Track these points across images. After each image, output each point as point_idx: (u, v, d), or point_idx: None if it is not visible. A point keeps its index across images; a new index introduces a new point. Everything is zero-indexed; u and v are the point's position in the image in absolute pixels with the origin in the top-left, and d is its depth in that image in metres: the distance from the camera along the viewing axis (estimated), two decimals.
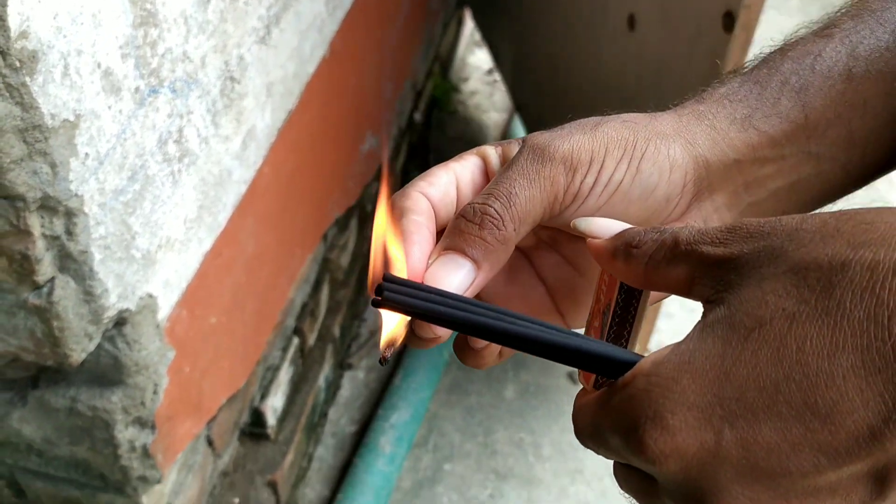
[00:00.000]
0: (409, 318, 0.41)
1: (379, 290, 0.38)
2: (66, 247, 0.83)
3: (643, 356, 0.34)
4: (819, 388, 0.28)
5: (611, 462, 0.36)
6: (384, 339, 0.41)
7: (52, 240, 0.82)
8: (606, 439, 0.34)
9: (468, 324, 0.37)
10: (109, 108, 0.83)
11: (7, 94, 0.70)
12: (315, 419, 1.73)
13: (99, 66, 0.80)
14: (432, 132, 2.45)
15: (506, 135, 2.45)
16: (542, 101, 2.06)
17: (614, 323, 0.42)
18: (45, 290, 0.85)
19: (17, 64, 0.69)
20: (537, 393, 1.87)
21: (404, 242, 0.41)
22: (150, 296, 0.99)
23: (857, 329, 0.27)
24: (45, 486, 1.14)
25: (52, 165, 0.77)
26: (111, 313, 0.92)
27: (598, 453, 0.36)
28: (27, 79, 0.70)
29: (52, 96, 0.74)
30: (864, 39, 0.46)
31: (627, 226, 0.39)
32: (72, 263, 0.84)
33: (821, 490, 0.29)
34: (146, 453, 1.07)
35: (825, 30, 0.47)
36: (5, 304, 0.86)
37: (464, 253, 0.40)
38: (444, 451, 1.77)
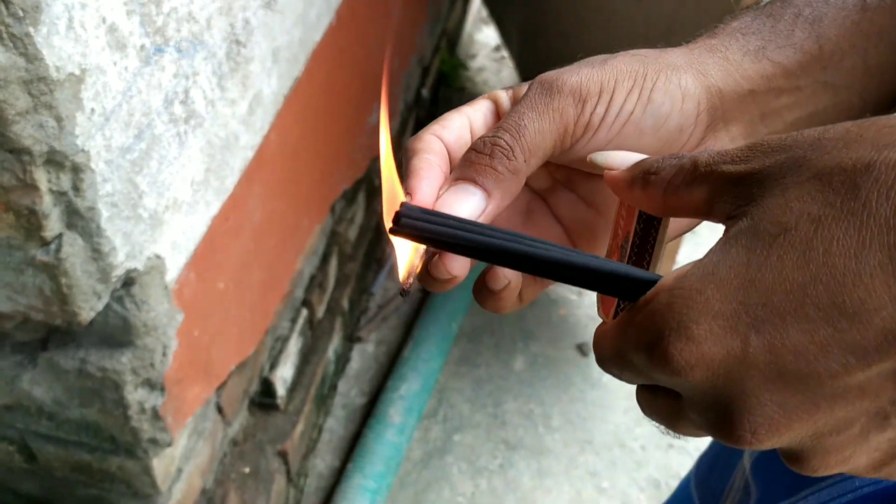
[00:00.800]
0: (423, 246, 0.40)
1: (396, 219, 0.37)
2: (73, 203, 0.83)
3: (663, 276, 0.34)
4: (846, 288, 0.27)
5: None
6: (403, 269, 0.40)
7: (59, 195, 0.82)
8: (630, 359, 0.33)
9: (484, 247, 0.37)
10: (115, 64, 0.83)
11: (11, 45, 0.70)
12: (325, 391, 1.73)
13: (104, 20, 0.80)
14: (440, 108, 2.44)
15: None
16: None
17: (633, 254, 0.41)
18: (52, 246, 0.85)
19: (21, 13, 0.69)
20: (546, 364, 1.87)
21: (414, 178, 0.41)
22: (158, 256, 0.99)
23: (883, 227, 0.27)
24: (56, 450, 1.15)
25: (58, 119, 0.77)
26: (119, 272, 0.92)
27: (620, 377, 0.36)
28: (31, 29, 0.70)
29: (57, 48, 0.74)
30: None
31: (645, 156, 0.39)
32: (79, 220, 0.85)
33: (850, 391, 0.29)
34: (156, 415, 1.08)
35: None
36: (14, 261, 0.86)
37: (474, 182, 0.40)
38: (454, 421, 1.78)
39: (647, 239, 0.41)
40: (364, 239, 1.92)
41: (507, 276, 0.42)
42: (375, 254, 2.02)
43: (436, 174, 0.41)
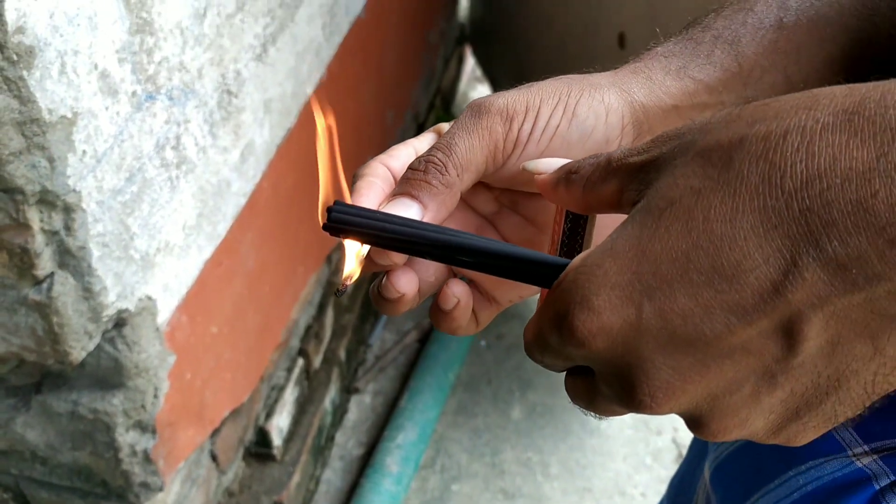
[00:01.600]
0: (363, 247, 0.43)
1: (328, 213, 0.40)
2: (64, 242, 0.86)
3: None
4: (724, 252, 0.29)
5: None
6: (344, 273, 0.43)
7: (51, 234, 0.85)
8: (547, 339, 0.35)
9: (408, 237, 0.39)
10: (107, 108, 0.86)
11: (5, 87, 0.74)
12: (321, 442, 1.73)
13: (96, 67, 0.84)
14: None
15: None
16: None
17: (563, 252, 0.44)
18: (44, 285, 0.87)
19: (15, 57, 0.72)
20: (544, 413, 1.87)
21: (355, 196, 0.43)
22: (150, 298, 1.01)
23: (754, 193, 0.29)
24: (49, 497, 1.15)
25: (50, 160, 0.80)
26: (110, 312, 0.94)
27: (543, 363, 0.37)
28: (24, 73, 0.74)
29: (50, 92, 0.77)
30: None
31: (568, 160, 0.41)
32: (70, 259, 0.87)
33: (736, 350, 0.30)
34: (147, 458, 1.09)
35: None
36: (7, 300, 0.89)
37: (410, 195, 0.43)
38: (452, 471, 1.77)
39: (574, 237, 0.43)
40: (361, 291, 1.94)
41: (457, 295, 0.44)
42: (373, 306, 2.04)
43: (377, 192, 0.44)
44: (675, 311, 0.30)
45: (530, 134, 0.44)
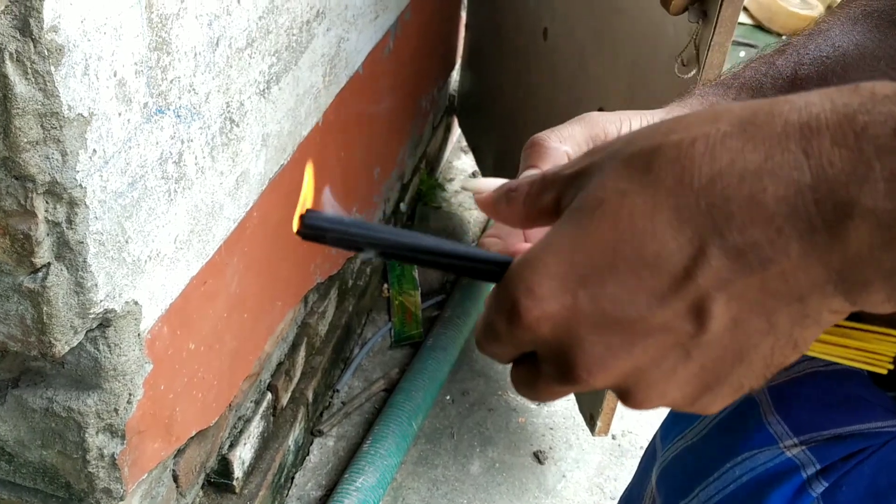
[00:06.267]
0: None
1: (301, 219, 0.42)
2: (65, 235, 0.90)
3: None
4: (645, 244, 0.34)
5: None
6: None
7: (54, 225, 0.89)
8: (496, 328, 0.38)
9: (374, 241, 0.41)
10: (120, 114, 0.92)
11: (33, 79, 0.79)
12: (281, 480, 1.74)
13: (115, 74, 0.90)
14: (416, 223, 2.56)
15: (485, 230, 2.56)
16: None
17: None
18: (40, 274, 0.91)
19: (46, 53, 0.78)
20: (502, 470, 1.89)
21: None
22: (136, 303, 1.05)
23: (668, 192, 0.34)
24: (9, 498, 1.16)
25: (63, 154, 0.85)
26: (97, 310, 0.98)
27: (493, 353, 0.40)
28: (52, 69, 0.80)
29: (72, 90, 0.83)
30: (810, 52, 0.58)
31: (504, 181, 0.45)
32: (68, 252, 0.91)
33: (656, 329, 0.35)
34: (113, 463, 1.10)
35: (782, 47, 0.61)
36: (1, 286, 0.92)
37: None
38: None
39: None
40: (333, 335, 1.98)
41: None
42: (343, 352, 2.07)
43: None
44: (606, 296, 0.35)
45: None
